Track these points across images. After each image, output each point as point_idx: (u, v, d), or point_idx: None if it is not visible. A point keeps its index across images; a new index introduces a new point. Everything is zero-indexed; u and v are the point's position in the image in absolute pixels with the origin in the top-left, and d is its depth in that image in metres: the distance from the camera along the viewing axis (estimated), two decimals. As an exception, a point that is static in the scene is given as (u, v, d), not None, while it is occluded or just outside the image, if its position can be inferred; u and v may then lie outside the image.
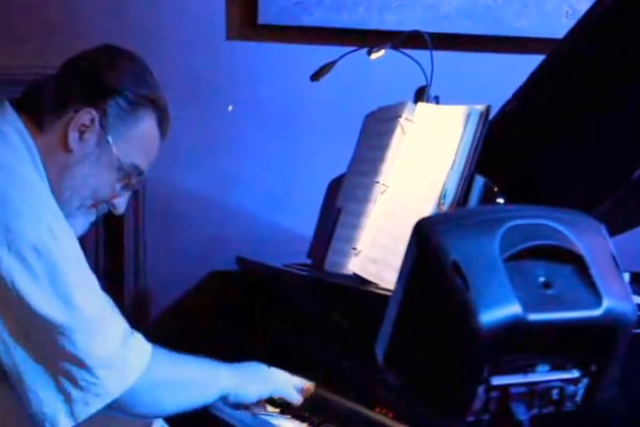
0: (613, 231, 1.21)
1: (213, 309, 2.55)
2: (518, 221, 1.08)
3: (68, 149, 1.78)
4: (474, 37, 2.86)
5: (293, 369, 2.01)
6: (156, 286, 2.65)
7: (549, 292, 1.06)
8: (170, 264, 2.64)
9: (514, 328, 1.03)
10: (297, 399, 1.92)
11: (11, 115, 1.78)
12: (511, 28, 2.88)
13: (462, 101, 1.96)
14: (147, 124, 1.85)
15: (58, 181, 1.77)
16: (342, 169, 2.26)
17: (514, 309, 1.03)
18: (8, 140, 1.75)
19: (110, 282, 2.49)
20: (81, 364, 1.64)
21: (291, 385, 1.93)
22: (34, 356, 1.64)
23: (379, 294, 1.83)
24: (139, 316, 2.59)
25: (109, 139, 1.80)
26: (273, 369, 1.95)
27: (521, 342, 1.05)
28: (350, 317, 1.94)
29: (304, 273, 2.23)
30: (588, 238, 1.11)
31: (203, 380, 1.85)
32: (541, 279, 1.07)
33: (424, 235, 1.08)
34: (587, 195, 1.82)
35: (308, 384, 1.94)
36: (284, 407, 1.97)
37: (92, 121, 1.78)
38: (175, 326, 2.61)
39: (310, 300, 2.13)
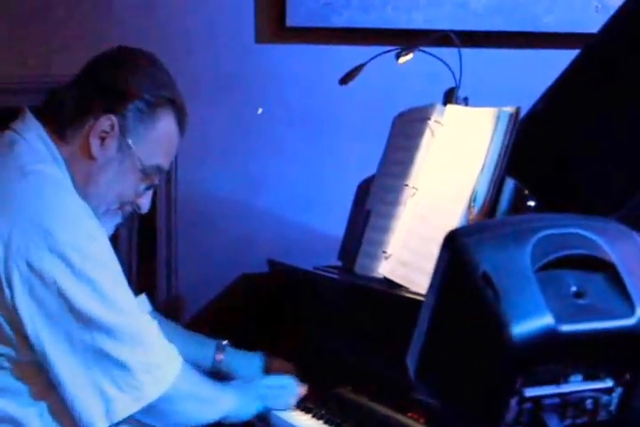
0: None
1: (244, 311, 2.55)
2: (549, 231, 1.06)
3: (91, 157, 1.79)
4: (503, 34, 2.84)
5: (323, 372, 2.01)
6: (188, 288, 2.66)
7: (582, 302, 1.05)
8: (201, 267, 2.65)
9: (546, 339, 1.01)
10: (290, 407, 1.99)
11: (32, 123, 1.80)
12: (540, 24, 2.86)
13: (492, 99, 1.95)
14: (166, 125, 1.85)
15: (84, 189, 1.78)
16: (372, 171, 2.25)
17: (546, 320, 1.01)
18: (32, 147, 1.77)
19: (143, 285, 2.51)
20: (124, 367, 1.66)
21: (285, 396, 2.00)
22: (74, 357, 1.65)
23: (409, 298, 1.83)
24: (171, 318, 2.60)
25: (130, 142, 1.80)
26: (266, 381, 2.03)
27: (553, 353, 1.03)
28: (381, 320, 1.94)
29: (334, 276, 2.22)
30: (620, 246, 1.09)
31: (216, 399, 1.88)
32: (573, 289, 1.05)
33: (454, 245, 1.07)
34: (617, 196, 1.80)
35: (301, 387, 2.01)
36: (316, 412, 1.97)
37: (112, 127, 1.79)
38: (206, 327, 2.61)
39: (341, 303, 2.12)
